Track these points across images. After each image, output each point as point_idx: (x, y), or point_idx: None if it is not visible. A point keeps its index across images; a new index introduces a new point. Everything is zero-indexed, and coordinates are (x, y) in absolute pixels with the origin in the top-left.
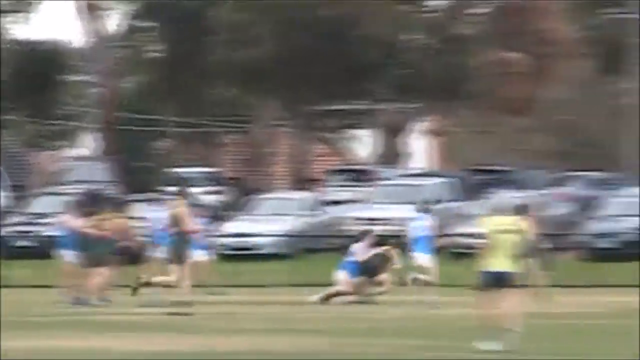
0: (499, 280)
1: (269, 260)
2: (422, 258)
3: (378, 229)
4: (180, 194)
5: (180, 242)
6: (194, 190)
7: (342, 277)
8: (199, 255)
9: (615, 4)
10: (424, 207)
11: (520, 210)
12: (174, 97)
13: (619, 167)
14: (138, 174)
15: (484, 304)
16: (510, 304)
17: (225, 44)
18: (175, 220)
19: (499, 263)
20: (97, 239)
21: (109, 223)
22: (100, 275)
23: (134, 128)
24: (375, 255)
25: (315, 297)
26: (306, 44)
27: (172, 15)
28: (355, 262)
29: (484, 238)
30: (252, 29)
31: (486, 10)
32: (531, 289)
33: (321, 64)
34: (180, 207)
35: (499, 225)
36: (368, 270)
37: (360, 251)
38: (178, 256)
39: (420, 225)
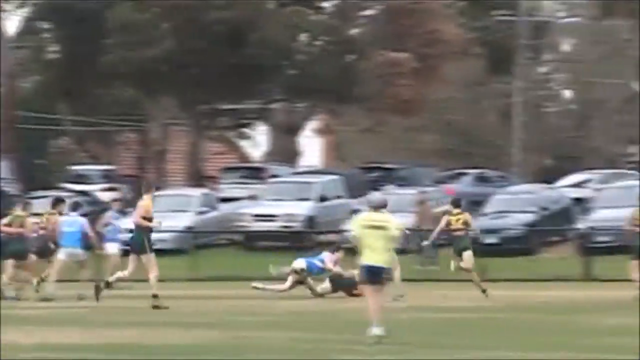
0: (372, 274)
1: (164, 256)
2: None
3: (270, 224)
4: (147, 188)
5: (144, 234)
6: (91, 187)
7: (300, 267)
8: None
9: (503, 6)
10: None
11: (457, 203)
12: (71, 97)
13: (506, 165)
14: (37, 172)
15: (367, 295)
16: (379, 295)
17: (122, 45)
18: (140, 212)
19: (371, 258)
20: (14, 236)
21: (32, 221)
22: (27, 269)
23: (33, 127)
24: (343, 273)
25: (282, 286)
26: (202, 45)
27: (70, 16)
28: (323, 270)
29: (353, 234)
30: (149, 30)
31: (376, 11)
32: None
33: (216, 65)
34: (148, 200)
35: (369, 222)
36: (342, 284)
37: (329, 260)
38: (142, 247)
39: None
